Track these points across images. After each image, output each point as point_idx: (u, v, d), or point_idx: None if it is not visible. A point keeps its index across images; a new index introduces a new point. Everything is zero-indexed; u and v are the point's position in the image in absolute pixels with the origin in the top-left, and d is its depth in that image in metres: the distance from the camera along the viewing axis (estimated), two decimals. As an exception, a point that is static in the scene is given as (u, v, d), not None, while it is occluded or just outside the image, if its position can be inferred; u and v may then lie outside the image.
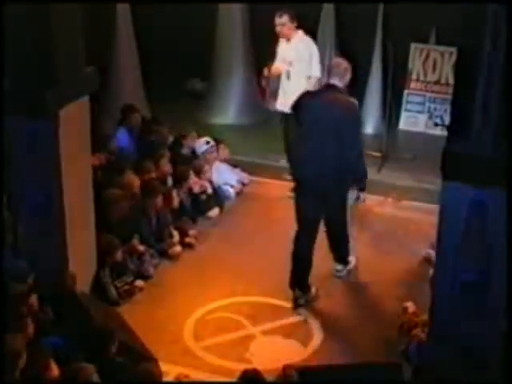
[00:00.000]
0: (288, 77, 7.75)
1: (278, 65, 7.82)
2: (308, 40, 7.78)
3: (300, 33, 7.74)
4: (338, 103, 6.15)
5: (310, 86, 7.56)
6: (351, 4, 8.91)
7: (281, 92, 7.87)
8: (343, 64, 6.31)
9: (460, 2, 4.75)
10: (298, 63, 7.67)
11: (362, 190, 7.06)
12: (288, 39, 7.73)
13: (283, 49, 7.82)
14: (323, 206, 6.31)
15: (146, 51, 9.22)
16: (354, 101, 6.31)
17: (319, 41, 9.01)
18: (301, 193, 6.35)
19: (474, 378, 4.97)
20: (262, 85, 8.12)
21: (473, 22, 4.82)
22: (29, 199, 5.81)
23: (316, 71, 7.70)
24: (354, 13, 8.85)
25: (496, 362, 5.00)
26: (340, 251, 6.80)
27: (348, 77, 6.28)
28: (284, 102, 7.66)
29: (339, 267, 6.85)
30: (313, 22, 9.05)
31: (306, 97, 6.38)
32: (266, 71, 7.90)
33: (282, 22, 7.61)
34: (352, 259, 6.93)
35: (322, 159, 6.08)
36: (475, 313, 5.01)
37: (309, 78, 7.67)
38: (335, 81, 6.22)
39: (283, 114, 7.77)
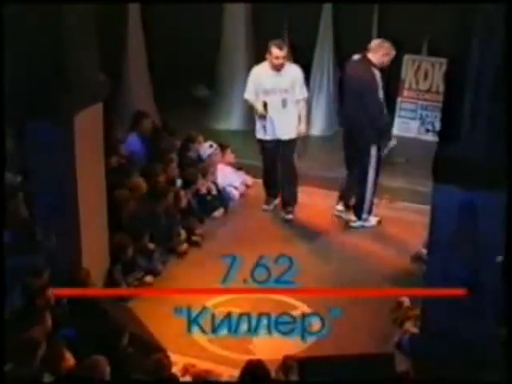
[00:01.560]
0: (285, 105, 7.45)
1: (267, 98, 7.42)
2: (295, 65, 7.59)
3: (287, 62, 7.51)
4: (359, 72, 7.21)
5: (304, 108, 7.58)
6: (348, 17, 8.95)
7: (275, 120, 7.48)
8: (378, 42, 7.29)
9: (459, 1, 4.74)
10: (293, 90, 7.42)
11: (388, 140, 7.59)
12: (278, 70, 7.37)
13: (270, 78, 7.38)
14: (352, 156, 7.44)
15: (154, 59, 9.22)
16: (374, 71, 7.17)
17: (318, 53, 9.08)
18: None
19: (461, 369, 5.02)
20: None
21: (462, 34, 4.88)
22: (46, 199, 5.87)
23: (305, 93, 7.58)
24: (351, 26, 8.90)
25: (483, 355, 5.07)
26: (356, 205, 7.51)
27: (381, 53, 7.15)
28: (283, 130, 7.50)
29: (353, 219, 7.57)
30: (312, 34, 9.09)
31: (345, 67, 7.50)
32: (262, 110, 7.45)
33: (284, 54, 7.30)
34: (370, 219, 7.54)
35: (350, 116, 7.33)
36: (464, 309, 5.07)
37: (299, 101, 7.52)
38: (369, 55, 7.17)
39: (266, 142, 7.60)
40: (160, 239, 6.95)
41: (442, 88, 8.93)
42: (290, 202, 7.81)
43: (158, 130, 8.05)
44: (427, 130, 9.19)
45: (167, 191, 7.14)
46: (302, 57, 9.17)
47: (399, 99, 9.28)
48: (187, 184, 7.57)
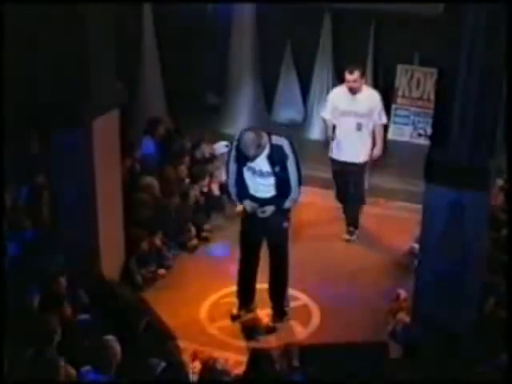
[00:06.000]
0: (359, 128, 7.01)
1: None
2: (374, 91, 7.24)
3: (365, 86, 7.15)
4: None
5: (380, 133, 7.19)
6: (347, 32, 8.96)
7: (347, 143, 7.07)
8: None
9: (460, 2, 4.70)
10: (370, 114, 7.02)
11: None
12: (355, 92, 6.99)
13: (349, 101, 7.01)
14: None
15: (166, 68, 9.20)
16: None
17: (318, 66, 9.08)
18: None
19: (448, 353, 5.00)
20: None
21: (451, 47, 4.88)
22: (67, 198, 5.87)
23: (384, 118, 7.18)
24: (350, 39, 8.91)
25: (465, 338, 5.08)
26: (279, 295, 6.11)
27: None
28: (354, 153, 7.06)
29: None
30: (312, 47, 9.09)
31: None
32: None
33: (354, 78, 6.88)
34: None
35: None
36: (451, 300, 5.12)
37: (376, 125, 7.12)
38: None
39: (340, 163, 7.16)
40: (172, 235, 6.94)
41: (433, 96, 8.94)
42: (353, 223, 7.41)
43: (171, 134, 8.04)
44: (419, 135, 9.19)
45: (178, 190, 7.12)
46: (303, 68, 9.19)
47: (393, 106, 9.27)
48: (196, 183, 7.48)
